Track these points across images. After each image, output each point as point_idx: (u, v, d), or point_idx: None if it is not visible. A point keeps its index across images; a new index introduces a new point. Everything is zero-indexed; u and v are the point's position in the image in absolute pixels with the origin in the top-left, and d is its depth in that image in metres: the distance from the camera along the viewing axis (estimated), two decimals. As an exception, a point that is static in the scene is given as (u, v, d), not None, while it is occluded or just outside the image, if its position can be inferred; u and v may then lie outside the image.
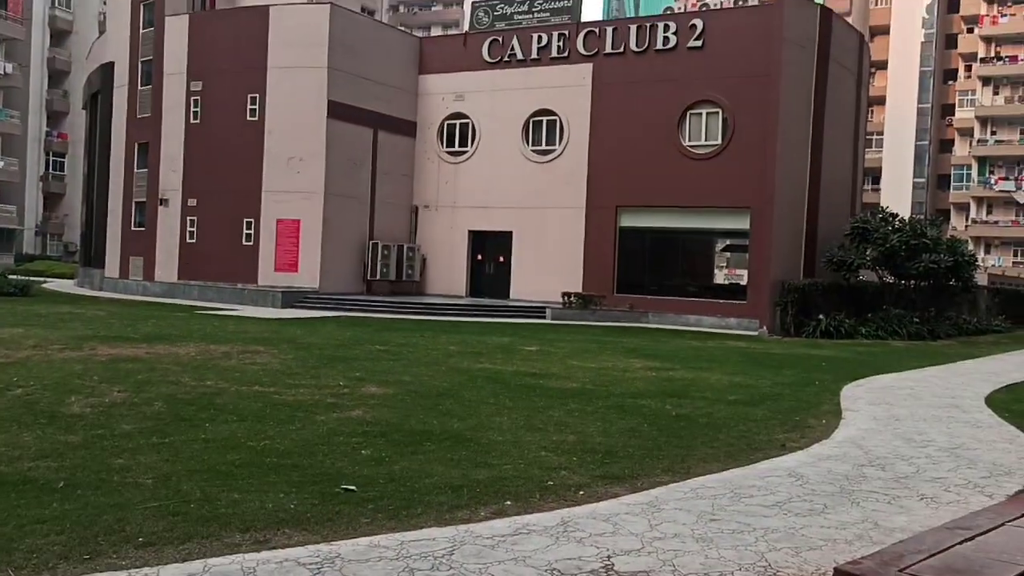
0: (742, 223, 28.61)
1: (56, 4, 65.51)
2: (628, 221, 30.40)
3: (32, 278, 39.42)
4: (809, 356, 19.96)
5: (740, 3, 31.49)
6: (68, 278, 44.56)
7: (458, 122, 33.38)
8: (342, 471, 7.28)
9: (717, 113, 28.85)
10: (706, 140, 29.03)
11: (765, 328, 26.84)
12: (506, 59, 32.20)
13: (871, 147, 62.09)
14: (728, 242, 35.49)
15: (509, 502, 6.62)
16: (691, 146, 29.19)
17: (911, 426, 10.76)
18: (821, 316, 26.50)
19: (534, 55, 31.71)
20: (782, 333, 26.66)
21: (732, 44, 28.50)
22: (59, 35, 66.14)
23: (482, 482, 7.12)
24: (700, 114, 29.15)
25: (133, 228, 34.32)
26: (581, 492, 7.02)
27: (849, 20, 50.71)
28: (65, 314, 22.68)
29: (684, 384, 13.73)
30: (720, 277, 47.66)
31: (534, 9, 32.72)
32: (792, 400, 12.65)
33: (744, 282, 29.99)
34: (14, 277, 34.20)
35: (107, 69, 36.21)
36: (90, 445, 7.82)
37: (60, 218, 65.88)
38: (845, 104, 31.36)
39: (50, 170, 65.66)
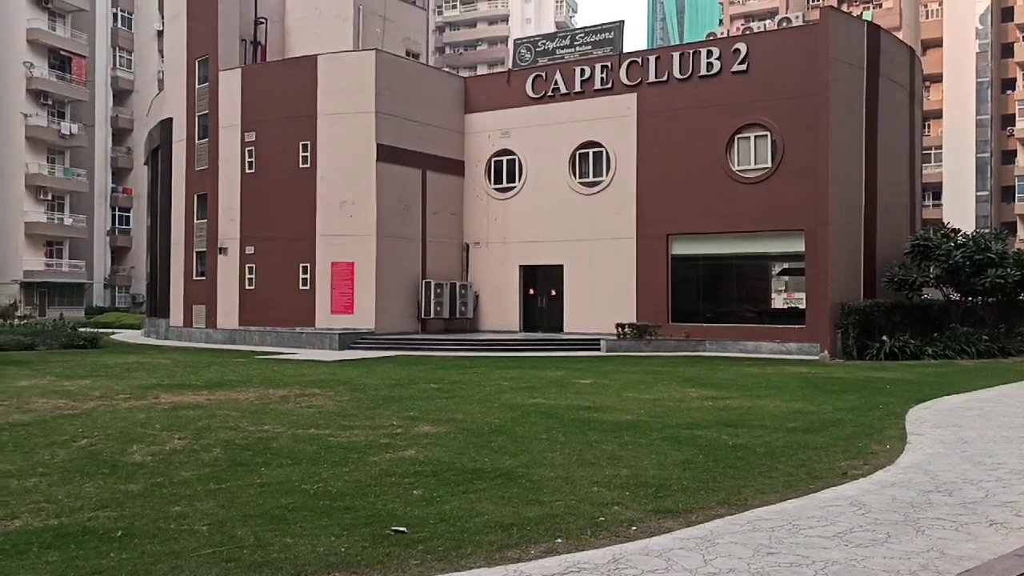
0: (797, 246, 28.21)
1: (118, 65, 68.02)
2: (680, 249, 30.19)
3: (101, 330, 40.60)
4: (872, 379, 19.47)
5: (784, 24, 31.21)
6: (136, 328, 45.73)
7: (505, 158, 33.65)
8: (394, 512, 7.30)
9: (766, 136, 28.61)
10: (755, 164, 28.78)
11: (826, 352, 26.28)
12: (550, 94, 32.44)
13: (929, 162, 60.94)
14: (785, 266, 34.97)
15: (560, 540, 6.55)
16: (740, 171, 28.96)
17: (980, 448, 10.41)
18: (884, 337, 25.86)
19: (578, 88, 31.89)
20: (844, 357, 26.07)
21: (778, 66, 28.32)
22: (121, 95, 68.57)
23: (533, 520, 7.07)
24: (748, 138, 28.94)
25: (195, 277, 35.13)
26: (634, 528, 6.92)
27: (899, 35, 50.07)
28: (131, 364, 23.27)
29: (741, 413, 13.49)
30: (779, 302, 46.96)
31: (576, 43, 32.97)
32: (854, 426, 12.33)
33: (803, 306, 29.47)
34: (84, 330, 35.25)
35: (166, 125, 37.36)
36: (149, 493, 7.96)
37: (127, 270, 67.83)
38: (899, 120, 30.83)
39: (116, 224, 67.77)
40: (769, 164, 28.48)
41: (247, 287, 32.99)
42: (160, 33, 61.10)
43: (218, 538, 6.53)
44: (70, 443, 10.52)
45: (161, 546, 6.33)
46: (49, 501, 7.65)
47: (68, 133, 60.00)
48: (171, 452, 9.92)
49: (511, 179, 33.57)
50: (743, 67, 28.84)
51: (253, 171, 32.80)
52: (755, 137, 28.86)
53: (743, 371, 21.40)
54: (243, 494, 7.93)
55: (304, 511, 7.33)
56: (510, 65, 35.64)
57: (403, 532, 6.68)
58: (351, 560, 6.02)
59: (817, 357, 26.19)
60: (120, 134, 68.56)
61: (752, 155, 28.91)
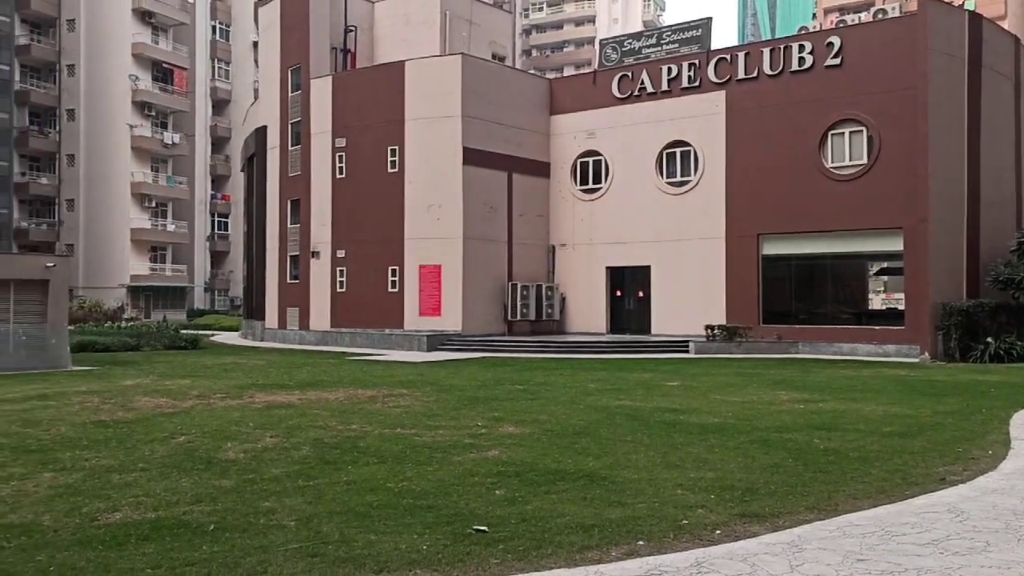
0: (895, 245, 27.27)
1: (216, 76, 70.41)
2: (771, 249, 29.54)
3: (201, 332, 42.09)
4: (975, 382, 18.67)
5: (880, 16, 30.24)
6: (233, 330, 47.23)
7: (591, 159, 33.52)
8: (475, 511, 7.34)
9: (861, 131, 27.77)
10: (850, 160, 27.96)
11: (927, 354, 25.34)
12: (636, 93, 32.17)
13: (1037, 156, 58.08)
14: (883, 265, 33.88)
15: (642, 542, 6.49)
16: (835, 167, 28.17)
17: (1090, 455, 9.88)
18: (989, 339, 24.80)
19: (664, 87, 31.54)
20: (946, 359, 25.09)
21: (873, 59, 27.45)
22: (219, 104, 70.97)
23: (614, 521, 7.01)
24: (843, 134, 28.13)
25: (288, 281, 36.07)
26: (718, 531, 6.80)
27: (1003, 24, 47.93)
28: (228, 364, 24.04)
29: (834, 416, 13.11)
30: (877, 302, 45.53)
31: (663, 42, 32.62)
32: (954, 430, 11.85)
33: (902, 306, 28.48)
34: (185, 332, 36.60)
35: (261, 132, 38.48)
36: (241, 489, 8.20)
37: (226, 274, 70.15)
38: (1003, 112, 29.49)
39: (215, 230, 70.15)
40: (865, 160, 27.63)
41: (338, 290, 33.70)
42: (255, 44, 63.04)
43: (305, 533, 6.69)
44: (169, 440, 10.92)
45: (251, 540, 6.51)
46: (148, 495, 7.96)
47: (170, 143, 62.39)
48: (263, 450, 10.20)
49: (597, 180, 33.43)
50: (837, 61, 28.05)
51: (344, 176, 33.49)
52: (850, 133, 28.03)
53: (838, 373, 20.80)
54: (330, 491, 8.10)
55: (388, 509, 7.44)
56: (596, 66, 35.49)
57: (484, 531, 6.71)
58: (432, 558, 6.08)
59: (917, 359, 25.27)
60: (218, 143, 70.96)
61: (847, 151, 28.09)
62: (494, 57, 37.02)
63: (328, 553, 6.18)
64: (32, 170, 62.80)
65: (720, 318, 29.41)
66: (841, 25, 32.09)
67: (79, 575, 5.76)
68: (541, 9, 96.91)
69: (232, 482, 8.50)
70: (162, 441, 10.85)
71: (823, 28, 34.90)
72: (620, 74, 32.68)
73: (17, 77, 61.06)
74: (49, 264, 24.62)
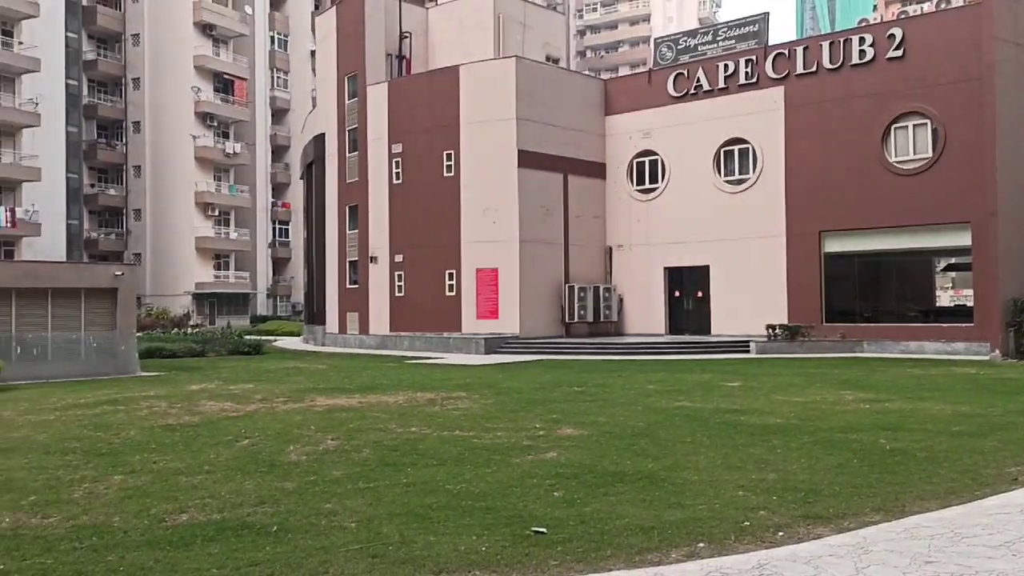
0: (963, 240, 26.55)
1: (276, 86, 71.68)
2: (833, 246, 29.00)
3: (264, 337, 42.87)
4: (1050, 380, 18.09)
5: (943, 6, 29.52)
6: (295, 335, 47.98)
7: (647, 159, 33.30)
8: (534, 513, 7.33)
9: (925, 124, 27.11)
10: (914, 154, 27.31)
11: (997, 352, 24.60)
12: (692, 91, 31.87)
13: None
14: (952, 260, 33.03)
15: (702, 544, 6.41)
16: (898, 162, 27.55)
17: None
18: (1063, 335, 23.99)
19: (721, 84, 31.20)
20: (1017, 356, 24.34)
21: (937, 50, 26.78)
22: (278, 114, 72.23)
23: (674, 523, 6.94)
24: (906, 127, 27.49)
25: (348, 286, 36.53)
26: (780, 533, 6.69)
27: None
28: (290, 369, 24.43)
29: (901, 416, 12.81)
30: (945, 299, 44.39)
31: (719, 39, 32.25)
32: (1027, 429, 11.49)
33: (970, 303, 27.72)
34: (248, 337, 37.31)
35: (319, 140, 39.07)
36: (303, 491, 8.32)
37: (287, 280, 71.33)
38: (1074, 101, 28.52)
39: (276, 237, 71.40)
40: (930, 153, 26.97)
41: (397, 294, 34.01)
42: (313, 53, 64.01)
43: (365, 535, 6.75)
44: (233, 443, 11.13)
45: (312, 541, 6.61)
46: (213, 497, 8.13)
47: (232, 152, 63.66)
48: (324, 452, 10.33)
49: (654, 180, 33.19)
50: (899, 53, 27.43)
51: (400, 181, 33.80)
52: (913, 126, 27.38)
53: (904, 372, 20.32)
54: (390, 493, 8.17)
55: (447, 510, 7.47)
56: (651, 65, 35.25)
57: (543, 533, 6.70)
58: (491, 559, 6.09)
59: (987, 357, 24.55)
60: (278, 151, 72.21)
61: (911, 145, 27.45)
62: (548, 59, 37.03)
63: (388, 554, 6.23)
64: (100, 181, 64.67)
65: (781, 317, 28.96)
66: (903, 16, 31.36)
67: (147, 574, 5.90)
68: (595, 10, 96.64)
69: (294, 484, 8.63)
70: (227, 444, 11.06)
71: (884, 20, 34.18)
72: (676, 72, 32.41)
73: (85, 92, 62.98)
74: (118, 273, 25.32)
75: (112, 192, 64.36)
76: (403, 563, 6.02)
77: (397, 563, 6.02)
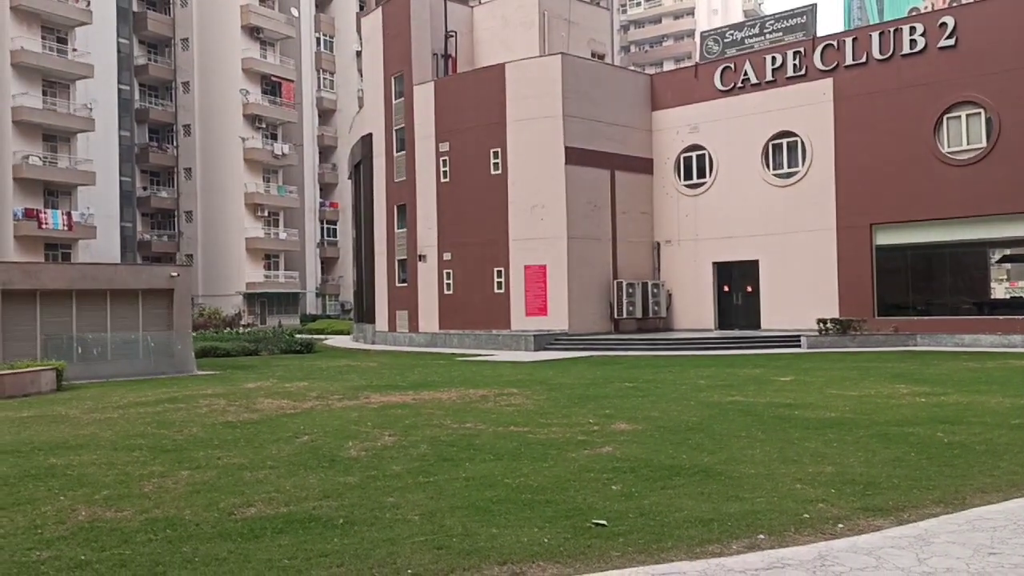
0: (1019, 230, 26.08)
1: (322, 87, 72.55)
2: (885, 239, 28.62)
3: (314, 336, 43.47)
4: (1112, 373, 17.71)
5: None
6: (345, 334, 48.57)
7: (694, 154, 33.15)
8: (593, 506, 7.44)
9: (979, 114, 26.63)
10: (968, 144, 26.85)
11: (1057, 344, 24.14)
12: (739, 85, 31.65)
13: None
14: (1007, 252, 32.38)
15: (762, 536, 6.47)
16: (951, 152, 27.10)
17: None
18: None
19: (769, 77, 30.94)
20: (1078, 348, 23.85)
21: (990, 38, 26.29)
22: (325, 114, 73.08)
23: (733, 515, 7.00)
24: (959, 117, 27.04)
25: (397, 284, 36.90)
26: (840, 525, 6.71)
27: None
28: (343, 367, 24.80)
29: (958, 409, 12.67)
30: (1000, 291, 43.51)
31: (766, 31, 31.99)
32: (1090, 422, 11.30)
33: (1027, 295, 27.19)
34: (300, 336, 37.89)
35: (367, 140, 39.50)
36: (365, 485, 8.51)
37: (335, 280, 72.18)
38: None
39: (325, 237, 72.29)
40: (984, 143, 26.50)
41: (445, 292, 34.29)
42: (359, 54, 64.65)
43: (429, 527, 6.92)
44: (293, 439, 11.39)
45: (378, 533, 6.78)
46: (278, 491, 8.36)
47: (280, 153, 64.62)
48: (382, 448, 10.54)
49: (701, 175, 33.03)
50: (951, 42, 26.98)
51: (448, 180, 34.06)
52: (967, 115, 26.92)
53: (960, 366, 20.02)
54: (450, 487, 8.33)
55: (507, 504, 7.61)
56: (697, 59, 35.06)
57: (603, 525, 6.80)
58: (554, 550, 6.21)
59: (1046, 350, 24.09)
60: (325, 152, 73.08)
61: (964, 135, 26.99)
62: (593, 55, 37.00)
63: (453, 545, 6.38)
64: (152, 184, 66.06)
65: (832, 311, 28.67)
66: (955, 4, 30.82)
67: (222, 564, 6.11)
68: (639, 4, 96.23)
69: (356, 479, 8.83)
70: (287, 440, 11.32)
71: (935, 9, 33.60)
72: (723, 66, 32.21)
73: (137, 96, 64.36)
74: (173, 274, 25.92)
75: (164, 195, 65.69)
76: (468, 554, 6.16)
77: (462, 554, 6.17)
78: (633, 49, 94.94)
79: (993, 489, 7.76)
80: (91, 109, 53.03)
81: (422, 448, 10.41)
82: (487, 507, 7.51)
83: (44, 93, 51.02)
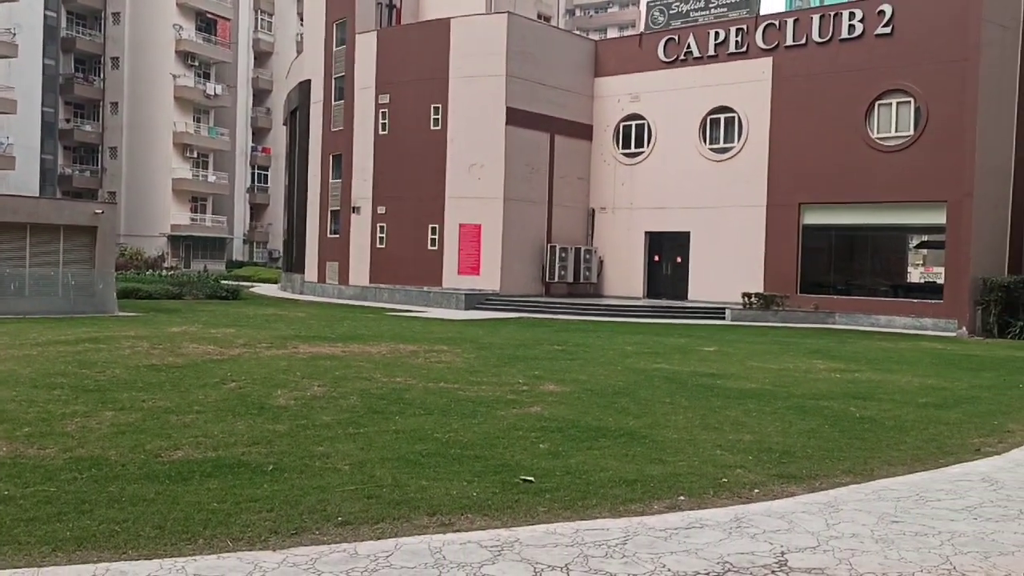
0: (938, 218, 27.02)
1: (259, 28, 70.60)
2: (812, 218, 29.39)
3: (240, 283, 42.79)
4: (1014, 358, 18.63)
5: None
6: (272, 282, 47.93)
7: (634, 123, 33.38)
8: (521, 463, 7.61)
9: (909, 103, 27.40)
10: (896, 131, 27.63)
11: (964, 329, 25.23)
12: (682, 57, 31.90)
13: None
14: (924, 238, 33.60)
15: (683, 497, 6.73)
16: (880, 138, 27.87)
17: None
18: (1029, 316, 24.61)
19: (711, 52, 31.25)
20: (983, 334, 24.97)
21: (925, 28, 26.98)
22: (261, 57, 71.21)
23: (656, 477, 7.25)
24: (890, 104, 27.77)
25: (329, 235, 36.51)
26: (756, 490, 7.02)
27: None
28: (270, 316, 24.53)
29: (870, 386, 13.22)
30: (916, 275, 45.14)
31: (711, 5, 32.20)
32: (991, 404, 11.93)
33: (941, 280, 28.29)
34: (226, 282, 37.26)
35: (304, 87, 38.72)
36: (295, 434, 8.54)
37: (265, 227, 70.92)
38: (1056, 86, 28.91)
39: (255, 183, 70.82)
40: (911, 132, 27.30)
41: (378, 246, 34.06)
42: (299, -3, 63.03)
43: (359, 477, 7.00)
44: (220, 385, 11.31)
45: (308, 480, 6.84)
46: (206, 436, 8.33)
47: (212, 94, 62.85)
48: (312, 398, 10.55)
49: (639, 144, 33.31)
50: (887, 30, 27.61)
51: (386, 133, 33.68)
52: (897, 103, 27.67)
53: (874, 345, 20.82)
54: (380, 439, 8.41)
55: (437, 457, 7.74)
56: (642, 28, 35.18)
57: (531, 482, 6.98)
58: (483, 504, 6.36)
59: (954, 334, 25.18)
60: (260, 95, 71.30)
61: (893, 122, 27.76)
62: (540, 16, 36.84)
63: (383, 496, 6.48)
64: (76, 117, 63.69)
65: (758, 286, 29.40)
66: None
67: (150, 506, 6.10)
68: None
69: (285, 427, 8.85)
70: (213, 386, 11.23)
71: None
72: (667, 37, 32.40)
73: (64, 24, 61.71)
74: (98, 211, 25.20)
75: (88, 128, 63.45)
76: (398, 504, 6.27)
77: (392, 504, 6.27)
78: (578, 13, 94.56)
79: (899, 462, 8.18)
80: (14, 35, 50.68)
81: (352, 400, 10.45)
82: (417, 460, 7.62)
83: (-36, 14, 48.60)
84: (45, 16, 57.36)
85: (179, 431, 8.53)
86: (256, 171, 71.03)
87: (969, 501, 6.79)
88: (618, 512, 6.28)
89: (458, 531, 5.74)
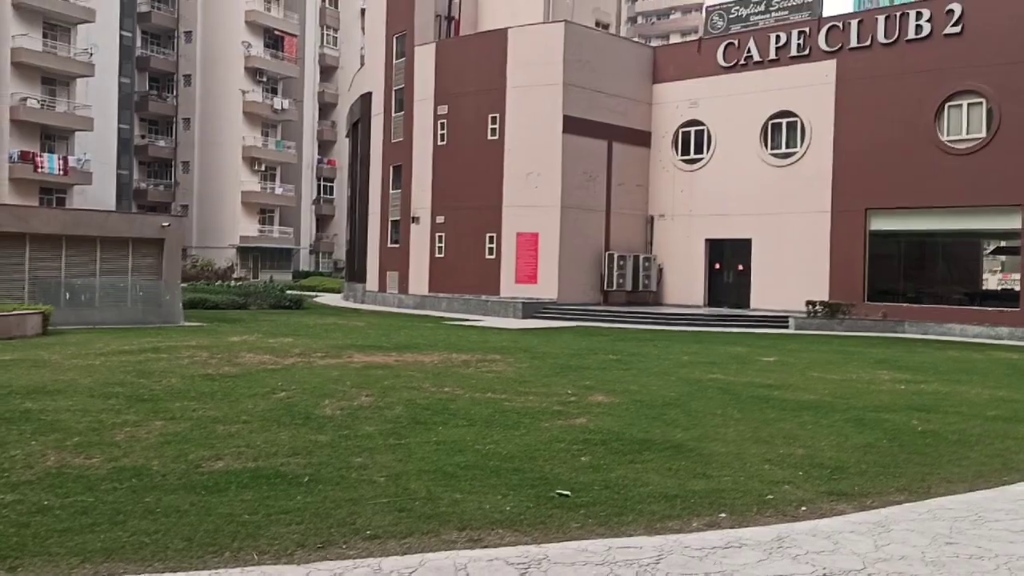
0: (1012, 223, 26.04)
1: (325, 43, 71.81)
2: (879, 224, 28.57)
3: (305, 292, 43.47)
4: (1094, 369, 17.76)
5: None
6: (336, 292, 48.54)
7: (692, 129, 32.94)
8: (559, 476, 7.45)
9: (980, 104, 26.48)
10: (967, 134, 26.72)
11: (1042, 338, 24.21)
12: (742, 62, 31.38)
13: None
14: (1002, 243, 32.39)
15: (724, 514, 6.49)
16: (950, 141, 26.98)
17: None
18: (1112, 324, 23.50)
19: (772, 55, 30.67)
20: (1063, 343, 23.93)
21: (996, 27, 26.07)
22: (327, 71, 72.41)
23: (698, 493, 7.02)
24: (960, 106, 26.88)
25: (389, 245, 36.81)
26: (803, 508, 6.74)
27: None
28: (330, 325, 24.79)
29: (936, 398, 12.71)
30: (992, 282, 43.59)
31: (772, 9, 31.65)
32: (1065, 417, 11.35)
33: (1018, 287, 27.22)
34: (290, 292, 37.86)
35: (366, 99, 39.18)
36: (336, 444, 8.52)
37: (330, 237, 71.98)
38: None
39: (321, 194, 71.95)
40: (983, 134, 26.37)
41: (437, 255, 34.20)
42: (363, 11, 63.87)
43: (393, 489, 6.93)
44: (270, 395, 11.39)
45: (342, 492, 6.79)
46: (248, 446, 8.36)
47: (280, 108, 64.08)
48: (358, 408, 10.54)
49: (699, 150, 32.86)
50: (956, 29, 26.75)
51: (444, 143, 33.84)
52: (968, 105, 26.77)
53: (944, 355, 20.09)
54: (420, 450, 8.34)
55: (475, 470, 7.62)
56: (702, 33, 34.73)
57: (567, 496, 6.82)
58: (514, 518, 6.22)
59: (1031, 343, 24.17)
60: (325, 108, 72.49)
61: (964, 124, 26.85)
62: (598, 24, 36.62)
63: (415, 509, 6.40)
64: (151, 133, 65.53)
65: (822, 294, 28.68)
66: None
67: (182, 517, 6.12)
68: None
69: (327, 437, 8.84)
70: (264, 396, 11.32)
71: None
72: (726, 42, 31.92)
73: (139, 43, 63.65)
74: (165, 224, 25.80)
75: (162, 144, 65.21)
76: (428, 518, 6.18)
77: (423, 518, 6.18)
78: (640, 20, 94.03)
79: (959, 479, 7.80)
80: (91, 54, 52.39)
81: (397, 410, 10.42)
82: (454, 472, 7.52)
83: (45, 36, 50.36)
84: (121, 36, 59.19)
85: (223, 441, 8.58)
86: (322, 183, 72.16)
87: (1031, 522, 6.42)
88: (654, 529, 6.08)
89: (486, 547, 5.61)
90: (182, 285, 27.19)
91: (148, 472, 7.33)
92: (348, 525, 5.98)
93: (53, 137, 51.61)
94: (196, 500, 6.52)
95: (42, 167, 49.54)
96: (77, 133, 52.38)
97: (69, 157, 51.36)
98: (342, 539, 5.70)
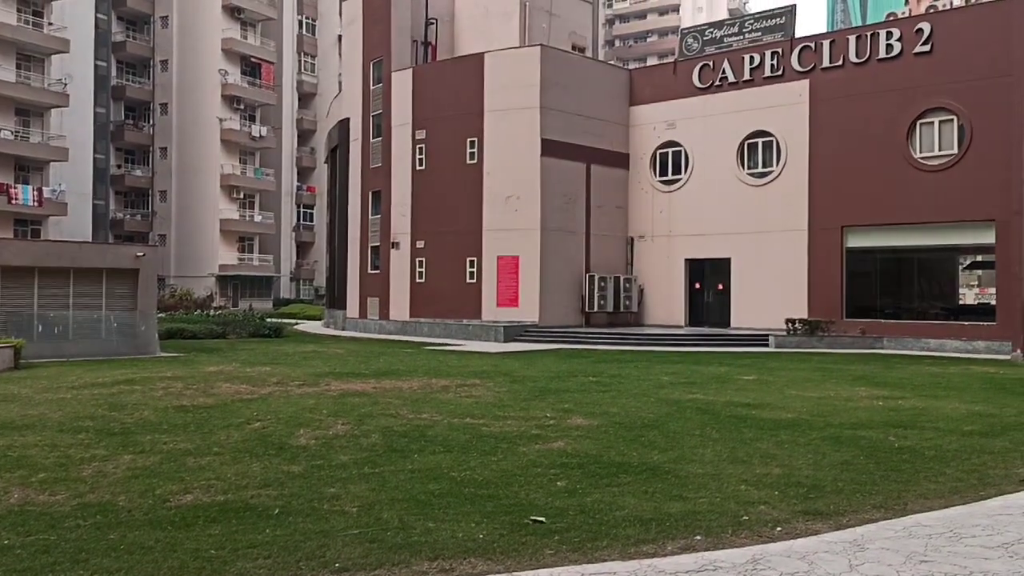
0: (987, 237, 26.25)
1: (302, 70, 71.88)
2: (855, 241, 28.75)
3: (285, 320, 43.15)
4: (1070, 381, 17.85)
5: (973, 1, 29.07)
6: (316, 319, 48.24)
7: (670, 150, 33.12)
8: (535, 502, 7.37)
9: (951, 121, 26.77)
10: (940, 150, 26.98)
11: (1018, 351, 24.32)
12: (717, 83, 31.63)
13: None
14: (979, 258, 32.69)
15: (699, 537, 6.42)
16: (923, 158, 27.24)
17: None
18: (1088, 336, 23.66)
19: (746, 76, 30.94)
20: (1040, 356, 24.05)
21: (965, 46, 26.41)
22: (305, 98, 72.44)
23: (674, 515, 6.96)
24: (931, 123, 27.16)
25: (369, 271, 36.67)
26: (778, 528, 6.68)
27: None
28: (308, 353, 24.60)
29: (913, 414, 12.72)
30: (969, 297, 43.96)
31: (745, 30, 31.96)
32: (1041, 431, 11.37)
33: (994, 302, 27.41)
34: (269, 320, 37.59)
35: (344, 125, 39.17)
36: (308, 475, 8.40)
37: (310, 264, 71.69)
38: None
39: (301, 221, 71.72)
40: (955, 150, 26.64)
41: (417, 280, 34.10)
42: (340, 38, 64.08)
43: (365, 519, 6.82)
44: (244, 426, 11.24)
45: (313, 524, 6.68)
46: (219, 478, 8.23)
47: (258, 135, 63.96)
48: (333, 437, 10.42)
49: (676, 171, 33.02)
50: (926, 48, 27.08)
51: (423, 168, 33.84)
52: (939, 122, 27.05)
53: (922, 370, 20.15)
54: (394, 479, 8.23)
55: (449, 497, 7.53)
56: (677, 56, 35.03)
57: (541, 522, 6.74)
58: (488, 547, 6.13)
59: (1008, 357, 24.29)
60: (304, 135, 72.45)
61: (936, 141, 27.12)
62: (574, 48, 36.86)
63: (386, 539, 6.29)
64: (127, 162, 65.19)
65: (802, 312, 28.79)
66: (932, 11, 30.92)
67: (147, 554, 5.99)
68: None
69: (300, 468, 8.71)
70: (238, 427, 11.18)
71: (912, 14, 33.68)
72: (701, 64, 32.18)
73: (114, 73, 63.47)
74: (139, 254, 25.59)
75: (138, 173, 64.85)
76: (400, 548, 6.07)
77: (394, 548, 6.08)
78: (618, 43, 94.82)
79: (935, 495, 7.77)
80: (66, 84, 52.17)
81: (373, 438, 10.30)
82: (428, 500, 7.42)
83: (18, 67, 50.11)
84: (96, 66, 59.00)
85: (193, 474, 8.45)
86: (302, 210, 71.97)
87: (1007, 537, 6.38)
88: (628, 554, 6.00)
89: (457, 577, 5.51)
90: (159, 315, 26.94)
91: (114, 508, 7.18)
92: (317, 558, 5.87)
93: (27, 168, 51.24)
94: (162, 536, 6.39)
95: (16, 199, 49.13)
96: (52, 164, 52.04)
97: (44, 188, 50.96)
98: (310, 572, 5.59)
